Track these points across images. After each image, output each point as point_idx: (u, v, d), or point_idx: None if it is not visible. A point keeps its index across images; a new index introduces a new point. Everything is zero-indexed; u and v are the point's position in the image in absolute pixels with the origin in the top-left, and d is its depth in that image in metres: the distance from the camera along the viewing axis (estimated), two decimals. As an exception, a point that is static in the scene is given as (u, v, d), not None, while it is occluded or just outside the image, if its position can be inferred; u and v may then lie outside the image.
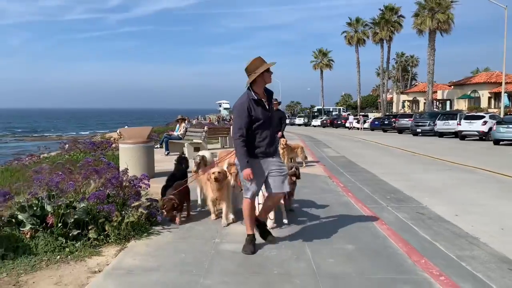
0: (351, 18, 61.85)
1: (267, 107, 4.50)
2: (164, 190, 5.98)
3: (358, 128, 44.53)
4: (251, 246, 4.48)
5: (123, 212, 4.75)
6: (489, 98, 45.80)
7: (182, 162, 6.71)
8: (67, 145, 15.17)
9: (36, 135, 62.18)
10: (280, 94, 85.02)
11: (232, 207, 5.69)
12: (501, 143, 22.08)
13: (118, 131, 38.65)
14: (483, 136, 24.86)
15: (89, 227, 4.55)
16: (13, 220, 4.42)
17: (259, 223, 4.78)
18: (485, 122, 25.20)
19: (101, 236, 4.58)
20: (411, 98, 60.55)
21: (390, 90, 73.95)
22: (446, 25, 44.84)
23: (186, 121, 16.93)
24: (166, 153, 14.73)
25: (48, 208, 4.48)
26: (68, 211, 4.51)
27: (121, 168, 6.99)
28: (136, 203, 4.97)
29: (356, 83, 64.60)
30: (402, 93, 65.37)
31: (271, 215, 5.32)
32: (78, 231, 4.52)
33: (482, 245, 5.18)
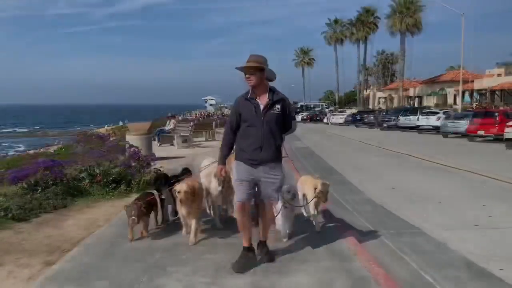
0: (330, 19, 65.23)
1: (260, 109, 4.10)
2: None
3: (335, 124, 47.90)
4: (243, 261, 4.12)
5: (141, 174, 7.84)
6: (455, 95, 49.51)
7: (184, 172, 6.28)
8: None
9: (22, 131, 63.21)
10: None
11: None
12: (449, 135, 25.44)
13: (105, 127, 41.39)
14: (437, 130, 28.23)
15: (121, 183, 7.63)
16: (77, 178, 7.48)
17: (260, 242, 4.46)
18: (439, 118, 28.55)
19: (129, 189, 7.66)
20: (386, 95, 64.21)
21: (372, 87, 77.66)
22: (415, 28, 48.50)
23: (175, 118, 19.96)
24: (158, 144, 17.74)
25: (97, 171, 7.56)
26: (109, 173, 7.59)
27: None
28: (148, 170, 8.07)
29: (338, 80, 68.24)
30: (378, 90, 69.03)
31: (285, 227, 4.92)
32: (115, 185, 7.60)
33: (362, 194, 8.42)
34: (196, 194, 4.89)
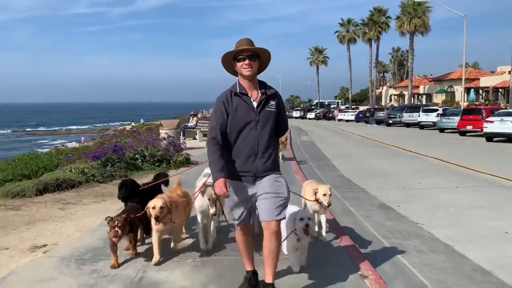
0: (343, 19, 67.57)
1: (253, 106, 3.36)
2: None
3: (346, 120, 50.47)
4: (246, 286, 3.59)
5: (176, 156, 10.96)
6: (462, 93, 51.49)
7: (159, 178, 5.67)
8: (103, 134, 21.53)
9: (44, 129, 66.70)
10: (280, 88, 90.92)
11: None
12: (445, 131, 27.90)
13: (133, 123, 45.19)
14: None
15: (163, 162, 10.77)
16: (133, 158, 10.67)
17: (264, 285, 3.47)
18: (438, 114, 30.98)
19: (168, 166, 10.79)
20: (398, 92, 66.34)
21: (388, 83, 79.93)
22: (423, 28, 50.66)
23: (197, 116, 23.18)
24: (183, 138, 20.92)
25: (146, 153, 10.72)
26: (154, 155, 10.74)
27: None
28: (181, 153, 11.21)
29: (351, 78, 70.67)
30: (390, 87, 71.17)
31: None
32: (158, 163, 10.75)
33: (338, 172, 11.35)
34: (173, 209, 4.31)
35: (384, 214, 6.81)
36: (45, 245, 4.94)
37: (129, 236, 4.38)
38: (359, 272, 4.08)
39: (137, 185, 5.11)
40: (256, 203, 3.40)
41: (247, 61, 3.35)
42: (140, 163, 10.57)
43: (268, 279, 3.38)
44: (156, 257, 4.26)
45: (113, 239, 4.07)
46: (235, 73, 3.53)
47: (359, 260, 4.43)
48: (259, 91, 3.44)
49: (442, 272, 4.40)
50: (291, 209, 4.08)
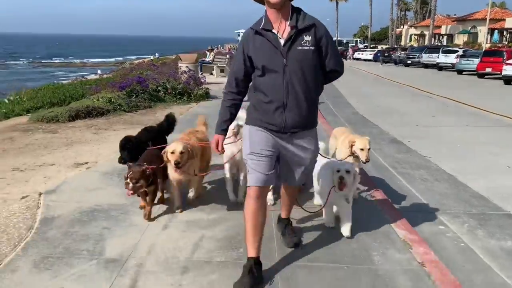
0: (367, -49, 64.19)
1: (280, 45, 2.70)
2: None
3: (364, 60, 49.61)
4: (247, 279, 2.75)
5: (196, 90, 11.36)
6: (486, 33, 49.80)
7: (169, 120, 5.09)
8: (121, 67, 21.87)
9: (59, 61, 66.92)
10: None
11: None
12: (463, 73, 27.55)
13: (152, 57, 45.34)
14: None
15: (184, 95, 11.19)
16: (156, 90, 11.10)
17: (280, 218, 3.50)
18: (458, 56, 30.42)
19: (189, 99, 11.22)
20: (419, 32, 64.33)
21: (409, 23, 77.35)
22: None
23: (214, 51, 23.19)
24: (200, 73, 21.16)
25: (168, 85, 11.12)
26: (175, 87, 11.14)
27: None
28: (201, 87, 11.59)
29: (371, 16, 68.48)
30: (411, 26, 68.91)
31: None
32: (180, 96, 11.18)
33: (353, 109, 11.69)
34: (196, 154, 3.83)
35: (394, 148, 7.25)
36: (86, 163, 5.55)
37: (148, 190, 3.64)
38: (369, 193, 4.60)
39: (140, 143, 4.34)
40: (280, 161, 2.98)
41: None
42: (163, 95, 11.02)
43: (284, 216, 3.46)
44: (177, 203, 3.90)
45: (127, 192, 3.51)
46: (263, 1, 2.81)
47: (369, 183, 4.93)
48: (289, 24, 2.72)
49: (443, 197, 4.89)
50: (325, 159, 3.77)
